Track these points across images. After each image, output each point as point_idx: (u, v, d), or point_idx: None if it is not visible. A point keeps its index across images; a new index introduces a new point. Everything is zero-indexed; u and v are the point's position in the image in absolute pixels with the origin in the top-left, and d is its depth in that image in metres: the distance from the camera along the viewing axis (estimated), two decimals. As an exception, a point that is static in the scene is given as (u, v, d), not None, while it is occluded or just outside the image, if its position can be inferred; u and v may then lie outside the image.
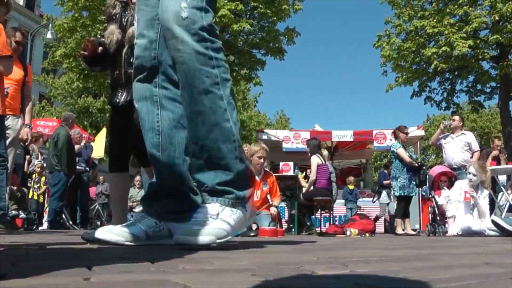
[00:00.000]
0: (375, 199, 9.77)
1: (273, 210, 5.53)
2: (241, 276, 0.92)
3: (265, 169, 5.89)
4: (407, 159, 6.88)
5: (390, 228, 9.60)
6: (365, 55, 64.80)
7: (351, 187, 9.83)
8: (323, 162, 6.86)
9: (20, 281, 0.82)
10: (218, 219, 1.62)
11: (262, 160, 5.60)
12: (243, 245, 2.21)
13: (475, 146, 7.34)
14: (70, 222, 7.80)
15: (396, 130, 7.39)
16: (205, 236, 1.52)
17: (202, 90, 1.66)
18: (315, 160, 6.81)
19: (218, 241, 1.56)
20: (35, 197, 8.65)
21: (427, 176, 6.90)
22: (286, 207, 8.72)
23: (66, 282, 0.81)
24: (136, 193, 10.36)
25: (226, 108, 1.68)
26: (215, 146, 1.67)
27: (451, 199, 6.24)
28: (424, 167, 7.00)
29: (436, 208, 6.55)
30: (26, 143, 5.13)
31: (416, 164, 6.92)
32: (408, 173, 6.91)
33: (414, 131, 10.43)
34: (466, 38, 13.57)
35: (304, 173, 8.39)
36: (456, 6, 14.28)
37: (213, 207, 1.64)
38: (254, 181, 5.60)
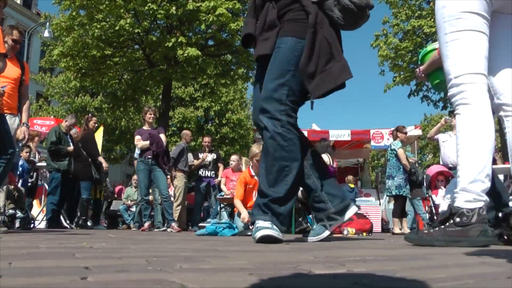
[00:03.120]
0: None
1: None
2: (238, 276, 0.92)
3: None
4: (404, 161, 6.93)
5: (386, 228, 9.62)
6: (363, 55, 64.68)
7: (352, 185, 9.78)
8: (331, 164, 6.89)
9: (18, 281, 0.82)
10: None
11: None
12: (241, 244, 2.21)
13: None
14: (68, 221, 7.78)
15: (395, 131, 7.42)
16: None
17: None
18: (325, 158, 6.84)
19: None
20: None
21: (424, 176, 6.91)
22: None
23: (63, 281, 0.80)
24: (132, 192, 10.31)
25: None
26: None
27: (446, 196, 6.27)
28: (416, 174, 7.11)
29: (433, 208, 6.56)
30: (23, 142, 5.11)
31: (408, 169, 6.99)
32: (405, 174, 6.96)
33: (412, 131, 10.43)
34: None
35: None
36: (453, 6, 14.32)
37: None
38: (255, 181, 5.62)
